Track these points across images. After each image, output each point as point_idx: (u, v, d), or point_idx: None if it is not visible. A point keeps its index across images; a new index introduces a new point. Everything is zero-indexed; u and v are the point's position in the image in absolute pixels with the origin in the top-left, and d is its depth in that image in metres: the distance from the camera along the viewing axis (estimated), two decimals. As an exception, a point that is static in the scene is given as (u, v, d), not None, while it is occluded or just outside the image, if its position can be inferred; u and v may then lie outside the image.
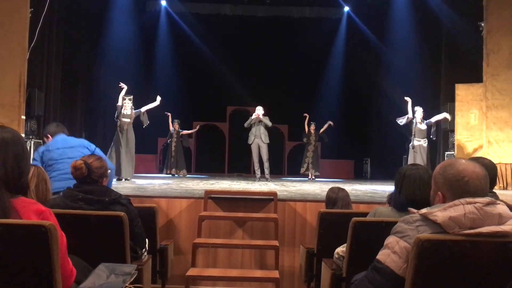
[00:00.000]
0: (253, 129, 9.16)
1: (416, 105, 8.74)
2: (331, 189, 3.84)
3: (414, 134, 8.53)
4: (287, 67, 13.68)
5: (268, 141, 9.20)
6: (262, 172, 9.28)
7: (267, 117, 9.20)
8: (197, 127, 12.33)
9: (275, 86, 13.49)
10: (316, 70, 13.81)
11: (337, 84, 13.71)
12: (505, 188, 7.78)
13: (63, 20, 10.71)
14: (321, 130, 11.33)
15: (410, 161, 8.36)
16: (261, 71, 13.65)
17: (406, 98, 8.72)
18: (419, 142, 8.47)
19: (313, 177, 11.16)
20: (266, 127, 9.19)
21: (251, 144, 9.24)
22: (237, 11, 13.62)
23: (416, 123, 8.54)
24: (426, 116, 8.73)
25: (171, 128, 11.51)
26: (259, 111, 9.15)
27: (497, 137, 8.04)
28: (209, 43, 13.62)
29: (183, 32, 13.67)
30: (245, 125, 9.33)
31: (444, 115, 8.90)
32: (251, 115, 9.27)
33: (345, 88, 13.73)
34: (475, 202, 1.64)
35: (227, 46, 13.63)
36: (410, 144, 8.61)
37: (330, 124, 11.34)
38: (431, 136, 8.77)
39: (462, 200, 1.66)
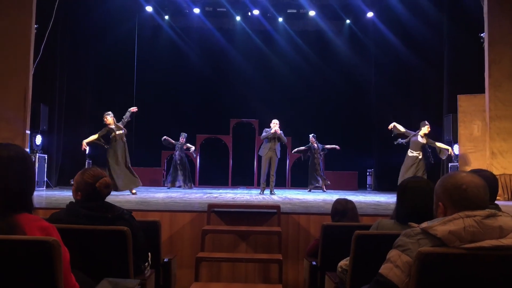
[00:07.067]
0: (270, 144, 9.05)
1: (422, 119, 8.48)
2: (338, 201, 3.79)
3: (409, 145, 8.30)
4: (290, 79, 13.73)
5: (279, 156, 9.20)
6: (268, 184, 9.26)
7: (281, 132, 9.13)
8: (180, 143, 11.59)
9: (278, 98, 13.55)
10: (319, 82, 13.86)
11: (340, 95, 13.75)
12: (510, 199, 7.73)
13: (68, 36, 10.86)
14: (328, 147, 11.38)
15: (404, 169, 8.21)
16: (263, 84, 13.72)
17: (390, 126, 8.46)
18: (413, 154, 8.24)
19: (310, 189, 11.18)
20: (281, 142, 9.19)
21: (263, 156, 9.14)
22: (239, 25, 13.75)
23: (417, 135, 8.23)
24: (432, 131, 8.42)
25: (179, 141, 11.44)
26: (277, 126, 9.01)
27: (501, 147, 8.00)
28: (211, 56, 13.75)
29: (185, 46, 13.79)
30: (262, 138, 9.29)
31: (445, 149, 8.36)
32: (268, 128, 9.07)
33: (348, 99, 13.77)
34: (474, 215, 1.65)
35: (229, 60, 13.74)
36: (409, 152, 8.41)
37: (336, 148, 11.44)
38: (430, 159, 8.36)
39: (461, 214, 1.66)
